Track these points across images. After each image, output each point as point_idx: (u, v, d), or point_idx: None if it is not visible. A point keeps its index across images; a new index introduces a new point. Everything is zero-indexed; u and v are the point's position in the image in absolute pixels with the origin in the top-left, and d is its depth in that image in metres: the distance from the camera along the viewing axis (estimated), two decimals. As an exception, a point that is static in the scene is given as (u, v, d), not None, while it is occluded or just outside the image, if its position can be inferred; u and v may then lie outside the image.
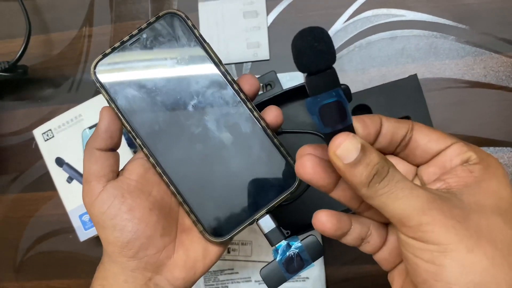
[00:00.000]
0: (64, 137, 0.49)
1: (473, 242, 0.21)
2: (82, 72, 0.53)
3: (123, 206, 0.29)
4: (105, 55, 0.31)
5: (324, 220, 0.26)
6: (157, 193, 0.31)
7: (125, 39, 0.31)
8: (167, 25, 0.31)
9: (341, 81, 0.47)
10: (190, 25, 0.31)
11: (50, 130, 0.49)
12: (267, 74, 0.46)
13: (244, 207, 0.31)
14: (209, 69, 0.31)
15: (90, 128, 0.48)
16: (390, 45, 0.47)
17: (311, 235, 0.29)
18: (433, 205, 0.21)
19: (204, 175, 0.31)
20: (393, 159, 0.27)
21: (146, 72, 0.31)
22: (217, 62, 0.31)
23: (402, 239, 0.22)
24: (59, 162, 0.49)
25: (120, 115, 0.31)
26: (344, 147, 0.22)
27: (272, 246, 0.29)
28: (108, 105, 0.31)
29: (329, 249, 0.47)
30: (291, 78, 0.47)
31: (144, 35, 0.31)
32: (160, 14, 0.31)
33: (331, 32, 0.48)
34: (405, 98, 0.44)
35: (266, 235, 0.30)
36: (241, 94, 0.31)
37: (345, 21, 0.48)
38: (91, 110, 0.48)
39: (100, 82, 0.31)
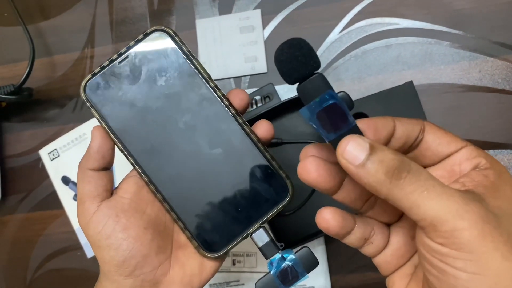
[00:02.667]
0: (69, 156, 0.50)
1: (508, 248, 0.20)
2: (86, 92, 0.54)
3: (117, 226, 0.29)
4: (94, 75, 0.31)
5: (329, 218, 0.25)
6: (151, 211, 0.31)
7: (113, 57, 0.31)
8: (156, 42, 0.31)
9: (338, 91, 0.48)
10: (178, 41, 0.31)
11: (55, 149, 0.50)
12: (265, 86, 0.47)
13: (238, 222, 0.31)
14: (198, 85, 0.31)
15: (95, 146, 0.49)
16: (385, 53, 0.48)
17: (305, 247, 0.29)
18: (469, 208, 0.20)
19: (197, 191, 0.31)
20: None
21: (135, 90, 0.31)
22: (207, 78, 0.31)
23: (427, 244, 0.21)
24: (65, 180, 0.50)
25: (111, 134, 0.31)
26: (351, 149, 0.21)
27: (266, 259, 0.30)
28: (99, 124, 0.31)
29: (334, 258, 0.47)
30: (289, 90, 0.48)
31: (133, 53, 0.31)
32: (148, 31, 0.31)
33: (326, 43, 0.49)
34: (402, 105, 0.45)
35: (260, 249, 0.30)
36: (231, 109, 0.31)
37: (340, 32, 0.49)
38: (95, 128, 0.49)
39: (90, 101, 0.31)
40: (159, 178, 0.31)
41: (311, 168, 0.24)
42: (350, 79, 0.48)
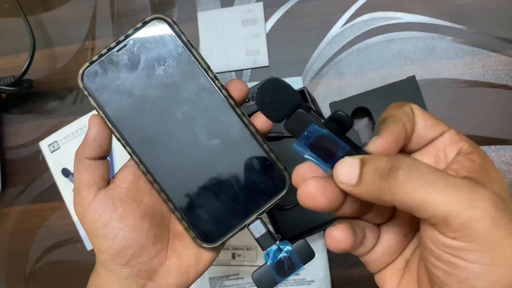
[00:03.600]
0: (69, 148, 0.50)
1: None
2: (86, 84, 0.54)
3: (114, 215, 0.29)
4: (92, 63, 0.30)
5: (342, 239, 0.23)
6: (149, 200, 0.31)
7: (111, 45, 0.30)
8: (154, 30, 0.30)
9: (340, 85, 0.48)
10: (178, 30, 0.30)
11: (56, 141, 0.50)
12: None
13: (235, 213, 0.31)
14: (197, 75, 0.30)
15: (95, 138, 0.49)
16: (388, 48, 0.48)
17: (302, 238, 0.29)
18: (479, 196, 0.19)
19: (195, 182, 0.31)
20: None
21: (133, 79, 0.30)
22: (205, 68, 0.30)
23: (438, 239, 0.20)
24: (65, 172, 0.50)
25: (108, 122, 0.30)
26: (343, 172, 0.21)
27: (263, 250, 0.30)
28: (96, 113, 0.31)
29: (334, 252, 0.47)
30: (290, 84, 0.48)
31: (131, 42, 0.30)
32: (147, 19, 0.30)
33: (328, 37, 0.49)
34: (404, 100, 0.44)
35: (257, 240, 0.30)
36: (230, 100, 0.30)
37: (342, 26, 0.48)
38: (95, 121, 0.49)
39: (87, 90, 0.30)
40: (157, 168, 0.31)
41: (317, 193, 0.22)
42: (352, 73, 0.48)
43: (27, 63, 0.49)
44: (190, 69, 0.30)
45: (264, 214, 0.31)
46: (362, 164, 0.21)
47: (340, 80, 0.48)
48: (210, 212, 0.31)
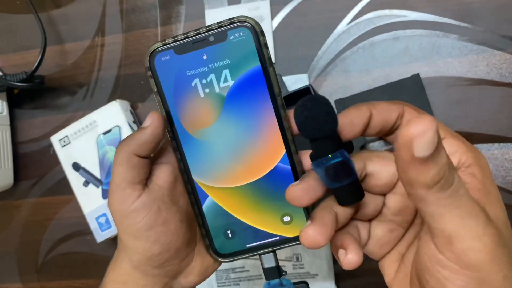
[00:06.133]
0: (80, 143, 0.51)
1: (509, 267, 0.20)
2: (96, 80, 0.55)
3: (159, 218, 0.28)
4: (165, 44, 0.28)
5: (319, 238, 0.24)
6: (183, 203, 0.31)
7: (190, 34, 0.28)
8: (238, 34, 0.28)
9: (346, 83, 0.48)
10: (262, 43, 0.28)
11: (66, 136, 0.51)
12: (273, 77, 0.47)
13: (253, 240, 0.30)
14: (264, 97, 0.28)
15: (105, 133, 0.50)
16: (393, 46, 0.48)
17: (305, 282, 0.30)
18: (488, 231, 0.20)
19: (225, 195, 0.30)
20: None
21: (200, 76, 0.29)
22: (275, 93, 0.28)
23: (434, 255, 0.21)
24: (76, 167, 0.51)
25: (163, 109, 0.29)
26: (426, 139, 0.17)
27: (266, 280, 0.30)
28: (155, 96, 0.30)
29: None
30: (296, 81, 0.49)
31: (212, 38, 0.28)
32: (235, 19, 0.28)
33: (334, 34, 0.49)
34: (408, 97, 0.45)
35: (264, 269, 0.30)
36: (288, 133, 0.29)
37: (348, 23, 0.49)
38: (105, 116, 0.50)
39: (152, 71, 0.29)
40: (194, 171, 0.30)
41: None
42: (358, 71, 0.49)
43: (38, 59, 0.50)
44: (259, 88, 0.28)
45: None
46: (436, 150, 0.18)
47: (346, 78, 0.49)
48: (231, 229, 0.31)
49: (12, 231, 0.57)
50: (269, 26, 0.50)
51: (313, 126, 0.23)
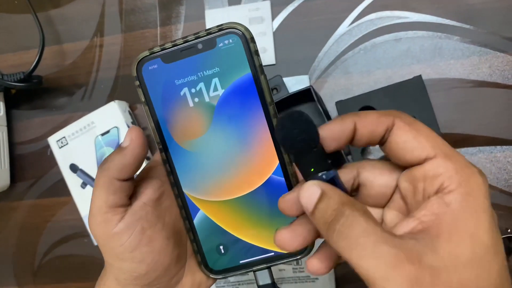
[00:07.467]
0: (77, 144, 0.50)
1: None
2: (94, 80, 0.55)
3: (143, 238, 0.27)
4: (152, 53, 0.28)
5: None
6: (169, 218, 0.30)
7: (178, 41, 0.27)
8: (227, 40, 0.27)
9: (347, 84, 0.48)
10: (253, 50, 0.27)
11: (64, 137, 0.51)
12: (273, 78, 0.47)
13: (247, 255, 0.29)
14: (256, 107, 0.28)
15: (103, 135, 0.50)
16: (394, 47, 0.48)
17: None
18: (398, 271, 0.19)
19: (217, 208, 0.29)
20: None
21: (189, 85, 0.28)
22: (267, 102, 0.27)
23: None
24: (73, 168, 0.51)
25: (152, 121, 0.28)
26: (304, 198, 0.22)
27: None
28: (143, 106, 0.29)
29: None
30: (297, 82, 0.48)
31: (200, 46, 0.27)
32: (224, 26, 0.27)
33: (335, 35, 0.49)
34: (410, 99, 0.45)
35: (259, 287, 0.29)
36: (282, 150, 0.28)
37: (350, 24, 0.49)
38: (103, 117, 0.50)
39: (140, 80, 0.28)
40: (185, 183, 0.29)
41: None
42: (359, 72, 0.48)
43: (36, 60, 0.50)
44: (250, 97, 0.27)
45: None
46: (320, 197, 0.22)
47: (347, 79, 0.48)
48: (223, 245, 0.29)
49: (9, 233, 0.57)
50: (269, 27, 0.50)
51: (290, 143, 0.23)
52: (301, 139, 0.23)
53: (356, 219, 0.21)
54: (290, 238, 0.25)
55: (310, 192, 0.22)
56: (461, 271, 0.20)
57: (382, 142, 0.24)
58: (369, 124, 0.24)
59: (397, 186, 0.25)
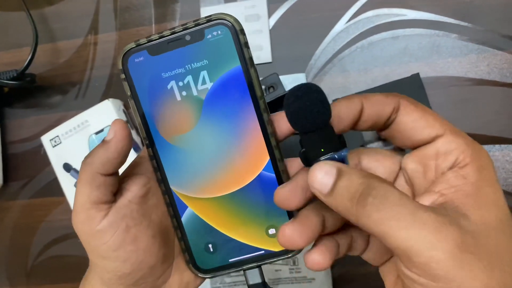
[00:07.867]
0: (71, 143, 0.49)
1: (487, 275, 0.18)
2: (89, 79, 0.54)
3: (128, 237, 0.26)
4: (139, 45, 0.27)
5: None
6: (156, 216, 0.29)
7: (165, 33, 0.26)
8: (216, 32, 0.26)
9: (344, 82, 0.48)
10: (243, 42, 0.26)
11: (57, 136, 0.50)
12: (270, 76, 0.46)
13: (237, 254, 0.29)
14: (245, 100, 0.27)
15: (97, 133, 0.49)
16: (392, 45, 0.47)
17: None
18: (443, 236, 0.18)
19: (207, 205, 0.29)
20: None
21: (176, 78, 0.27)
22: (257, 96, 0.27)
23: (404, 272, 0.20)
24: (67, 167, 0.50)
25: (139, 116, 0.28)
26: (319, 178, 0.21)
27: None
28: (129, 101, 0.28)
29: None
30: (293, 80, 0.48)
31: (188, 37, 0.26)
32: (213, 17, 0.26)
33: (332, 33, 0.48)
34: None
35: (249, 286, 0.29)
36: (272, 139, 0.27)
37: (347, 22, 0.48)
38: (97, 116, 0.49)
39: (125, 73, 0.27)
40: (172, 180, 0.28)
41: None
42: (356, 70, 0.48)
43: (29, 57, 0.49)
44: (239, 90, 0.27)
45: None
46: (338, 175, 0.21)
47: (344, 77, 0.48)
48: (212, 243, 0.29)
49: (1, 233, 0.56)
50: (266, 25, 0.49)
51: (305, 116, 0.22)
52: (316, 111, 0.21)
53: (388, 189, 0.20)
54: (299, 233, 0.23)
55: (324, 171, 0.21)
56: (493, 236, 0.20)
57: (386, 125, 0.24)
58: (376, 104, 0.23)
59: (399, 171, 0.25)
